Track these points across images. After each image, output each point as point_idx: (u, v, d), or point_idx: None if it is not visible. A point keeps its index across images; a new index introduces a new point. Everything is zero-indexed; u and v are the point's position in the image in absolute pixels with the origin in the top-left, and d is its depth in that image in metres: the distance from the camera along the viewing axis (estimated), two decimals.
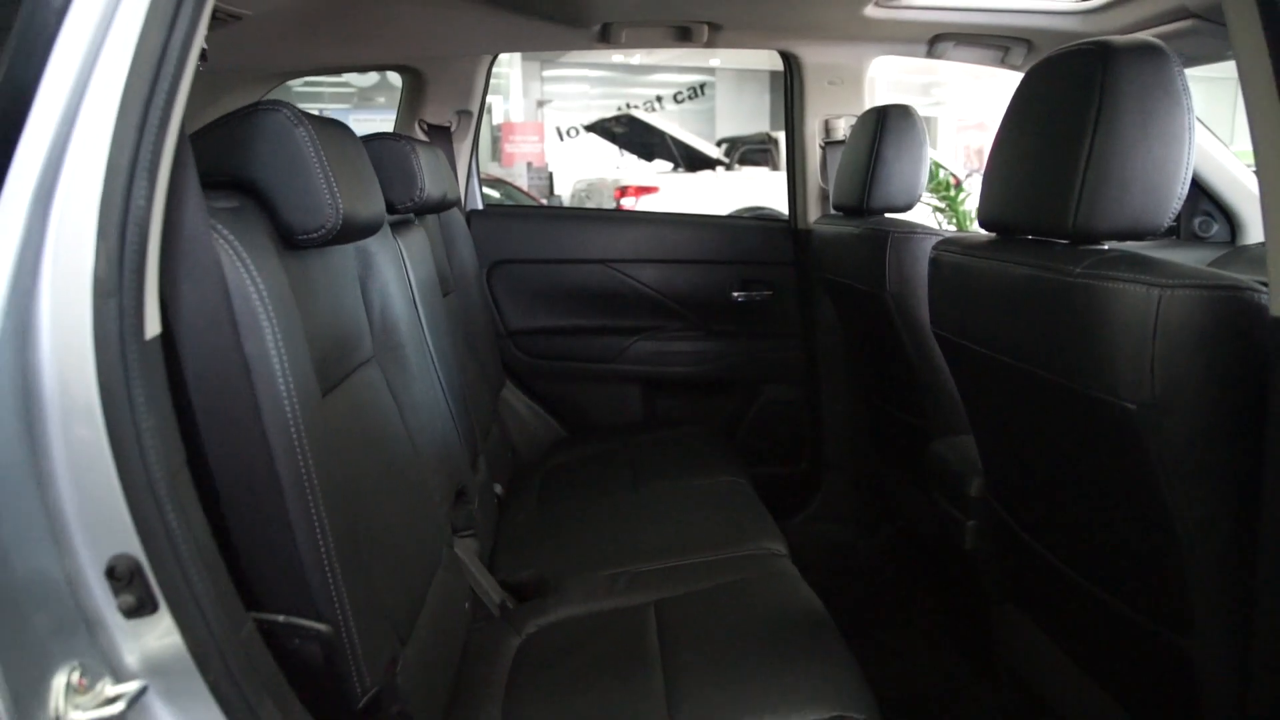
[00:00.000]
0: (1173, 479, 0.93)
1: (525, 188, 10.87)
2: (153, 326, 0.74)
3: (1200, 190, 2.33)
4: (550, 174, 12.91)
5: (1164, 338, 0.87)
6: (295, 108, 1.00)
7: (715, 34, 2.31)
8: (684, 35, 2.30)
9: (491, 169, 11.85)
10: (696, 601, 1.46)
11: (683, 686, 1.21)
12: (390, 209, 1.64)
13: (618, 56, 14.19)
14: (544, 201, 11.49)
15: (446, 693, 1.26)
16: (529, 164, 12.68)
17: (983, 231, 1.28)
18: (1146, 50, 0.99)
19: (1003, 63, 2.33)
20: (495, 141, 13.11)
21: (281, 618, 0.88)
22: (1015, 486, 1.37)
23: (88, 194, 0.69)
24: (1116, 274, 0.92)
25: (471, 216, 2.57)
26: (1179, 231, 2.41)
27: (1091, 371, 0.96)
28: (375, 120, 9.43)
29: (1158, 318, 0.87)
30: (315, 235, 1.02)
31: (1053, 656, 1.36)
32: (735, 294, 2.60)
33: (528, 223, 2.79)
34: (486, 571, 1.62)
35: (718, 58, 14.81)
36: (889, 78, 13.22)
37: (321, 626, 0.90)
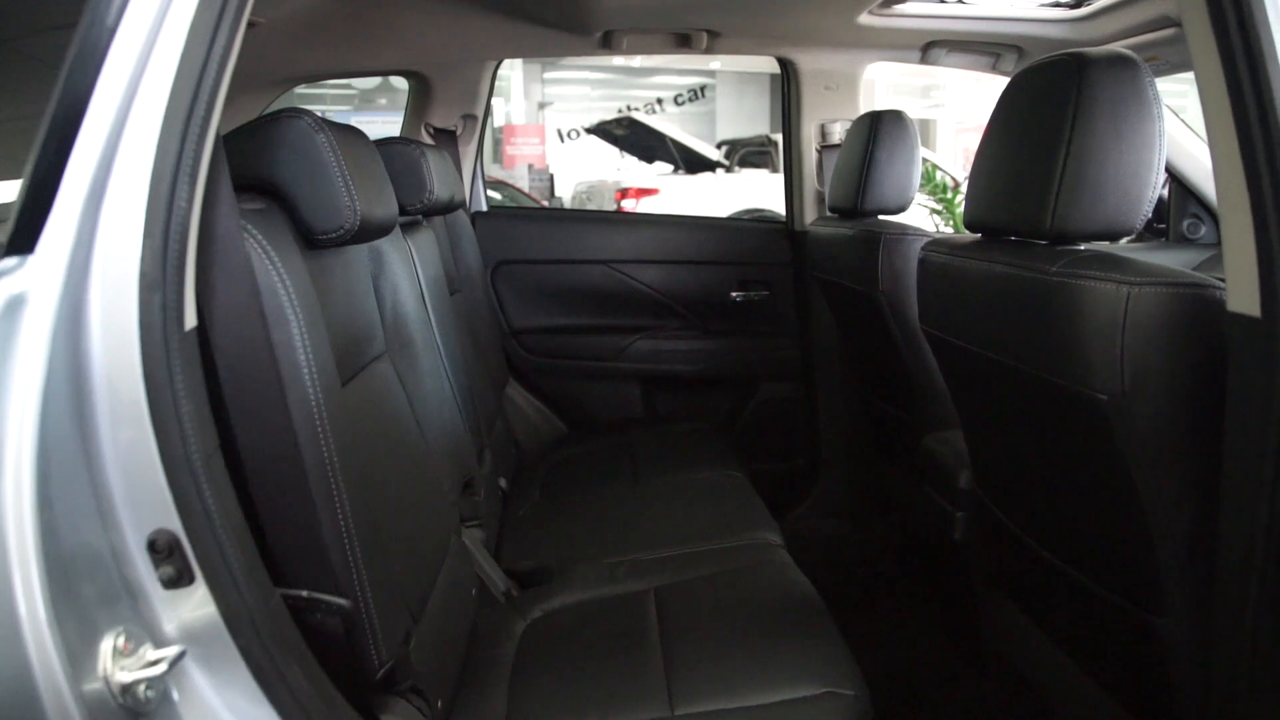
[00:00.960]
0: (1142, 465, 0.98)
1: (526, 189, 10.91)
2: (190, 319, 0.80)
3: (1189, 193, 2.38)
4: (551, 176, 12.93)
5: (1133, 332, 0.93)
6: (315, 115, 1.05)
7: (714, 41, 2.35)
8: (684, 42, 2.35)
9: (493, 171, 11.88)
10: (694, 587, 1.51)
11: (681, 665, 1.26)
12: (400, 210, 1.69)
13: (618, 59, 14.22)
14: (545, 203, 11.52)
15: (455, 673, 1.31)
16: (530, 166, 12.72)
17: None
18: (1119, 61, 1.04)
19: (994, 69, 2.38)
20: (497, 144, 13.13)
21: (305, 592, 0.93)
22: (1002, 478, 1.42)
23: (135, 196, 0.74)
24: (1089, 273, 0.98)
25: (476, 218, 2.61)
26: (1168, 234, 2.46)
27: (1066, 365, 1.02)
28: (377, 122, 9.42)
29: (1127, 313, 0.93)
30: (334, 235, 1.07)
31: (1037, 640, 1.41)
32: (733, 294, 2.64)
33: (531, 224, 2.84)
34: (492, 560, 1.67)
35: (718, 61, 14.84)
36: (888, 80, 13.26)
37: (342, 601, 0.95)
